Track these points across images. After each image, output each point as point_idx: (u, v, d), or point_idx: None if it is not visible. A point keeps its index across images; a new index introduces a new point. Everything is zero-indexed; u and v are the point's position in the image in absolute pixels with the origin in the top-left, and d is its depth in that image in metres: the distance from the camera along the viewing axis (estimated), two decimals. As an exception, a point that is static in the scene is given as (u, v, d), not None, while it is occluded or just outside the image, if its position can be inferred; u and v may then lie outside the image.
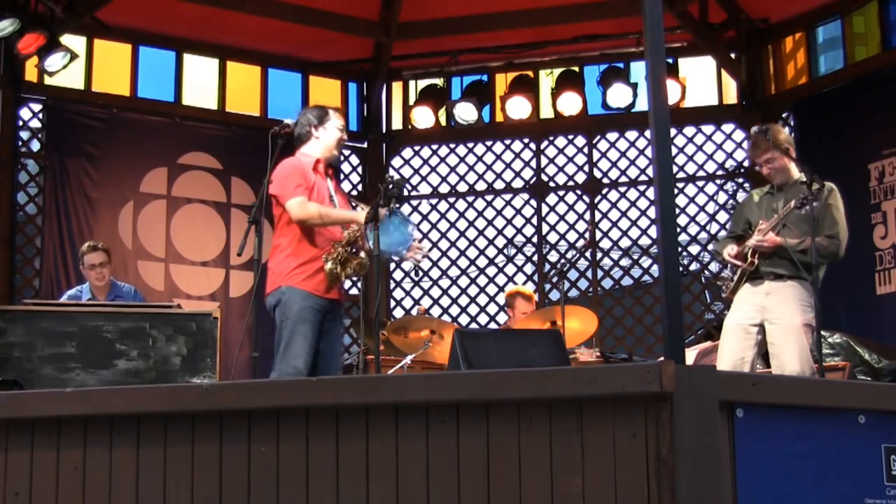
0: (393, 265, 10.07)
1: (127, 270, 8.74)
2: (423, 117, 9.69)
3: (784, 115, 9.29)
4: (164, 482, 2.88)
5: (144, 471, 2.90)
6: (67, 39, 8.44)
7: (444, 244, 10.06)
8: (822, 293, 5.19)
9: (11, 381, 5.63)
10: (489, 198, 10.08)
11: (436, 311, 9.89)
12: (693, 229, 9.83)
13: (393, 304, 10.07)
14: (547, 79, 9.95)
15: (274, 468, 2.79)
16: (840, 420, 2.71)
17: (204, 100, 9.58)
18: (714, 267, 10.77)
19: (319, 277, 5.08)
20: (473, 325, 9.77)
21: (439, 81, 9.92)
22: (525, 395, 2.60)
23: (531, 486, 2.57)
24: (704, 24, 9.17)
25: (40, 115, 9.00)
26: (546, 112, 9.88)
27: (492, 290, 9.97)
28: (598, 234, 9.78)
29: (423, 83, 9.93)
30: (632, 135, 9.82)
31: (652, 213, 9.57)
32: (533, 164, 10.01)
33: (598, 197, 9.82)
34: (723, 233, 9.52)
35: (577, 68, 9.78)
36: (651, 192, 9.50)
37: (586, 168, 9.88)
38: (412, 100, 9.99)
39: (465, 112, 9.39)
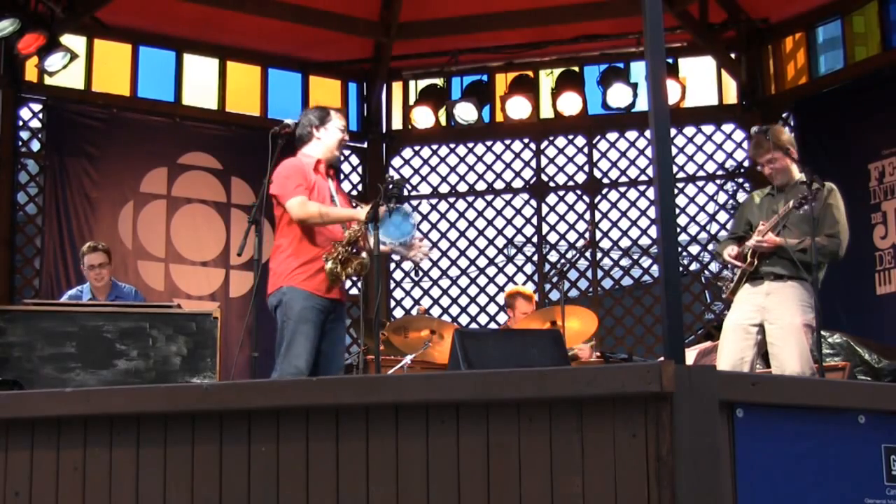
0: (393, 265, 10.07)
1: (127, 270, 8.74)
2: (423, 117, 9.69)
3: (784, 115, 9.29)
4: (164, 482, 2.88)
5: (144, 471, 2.91)
6: (67, 39, 8.44)
7: (444, 244, 10.06)
8: (822, 293, 5.19)
9: (11, 381, 5.63)
10: (489, 198, 10.08)
11: (436, 311, 9.89)
12: (693, 229, 9.84)
13: (393, 304, 10.07)
14: (547, 79, 9.95)
15: (274, 468, 2.79)
16: (840, 420, 2.71)
17: (204, 100, 9.58)
18: (714, 267, 10.78)
19: (320, 277, 5.08)
20: (473, 325, 9.77)
21: (439, 81, 9.92)
22: (525, 395, 2.60)
23: (531, 486, 2.57)
24: (704, 24, 9.17)
25: (40, 115, 9.00)
26: (546, 112, 9.88)
27: (492, 290, 9.97)
28: (598, 234, 9.78)
29: (423, 83, 9.93)
30: (632, 135, 9.82)
31: (652, 213, 9.57)
32: (533, 164, 10.01)
33: (598, 197, 9.82)
34: (723, 233, 9.52)
35: (577, 68, 9.78)
36: (651, 192, 9.49)
37: (586, 168, 9.88)
38: (412, 100, 9.99)
39: (465, 112, 9.39)
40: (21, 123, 8.97)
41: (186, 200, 9.26)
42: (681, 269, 9.60)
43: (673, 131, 9.18)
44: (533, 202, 9.96)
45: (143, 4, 8.91)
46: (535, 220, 9.92)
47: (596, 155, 9.89)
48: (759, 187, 5.81)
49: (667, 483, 2.45)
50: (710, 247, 10.12)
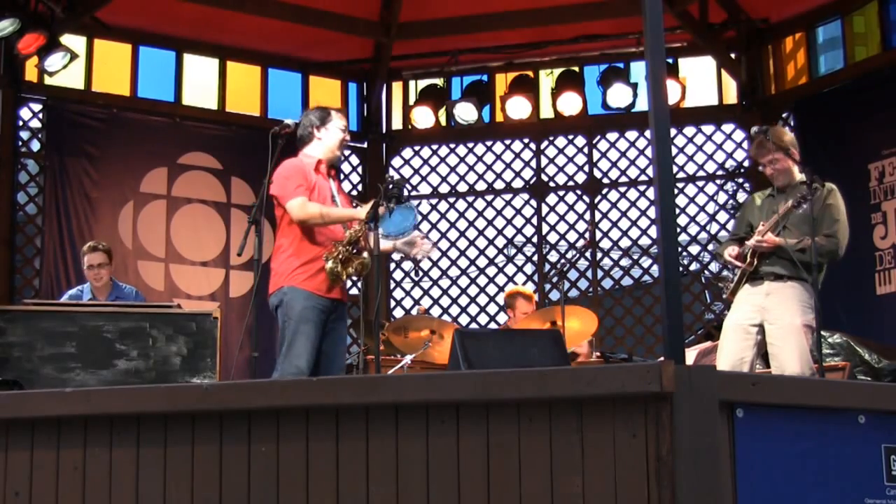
0: (393, 265, 10.08)
1: (127, 270, 8.74)
2: (423, 117, 9.70)
3: (784, 115, 9.29)
4: (164, 482, 2.88)
5: (144, 471, 2.90)
6: (67, 39, 8.44)
7: (444, 244, 10.05)
8: (822, 293, 5.19)
9: (11, 381, 5.63)
10: (489, 198, 10.08)
11: (436, 311, 9.89)
12: (693, 229, 9.84)
13: (393, 304, 10.07)
14: (547, 79, 9.95)
15: (274, 468, 2.79)
16: (840, 420, 2.71)
17: (204, 100, 9.58)
18: (714, 267, 10.79)
19: (321, 277, 5.08)
20: (473, 325, 9.77)
21: (439, 81, 9.92)
22: (525, 395, 2.60)
23: (531, 486, 2.57)
24: (704, 24, 9.17)
25: (40, 115, 9.00)
26: (546, 112, 9.88)
27: (492, 290, 9.97)
28: (598, 234, 9.78)
29: (423, 83, 9.93)
30: (632, 135, 9.82)
31: (652, 213, 9.57)
32: (533, 164, 10.01)
33: (598, 197, 9.82)
34: (723, 233, 9.55)
35: (577, 68, 9.78)
36: (651, 192, 9.50)
37: (586, 168, 9.88)
38: (412, 100, 9.99)
39: (465, 112, 9.39)
40: (21, 123, 8.97)
41: (186, 200, 9.26)
42: (681, 269, 9.60)
43: (673, 131, 9.18)
44: (533, 202, 9.97)
45: (143, 4, 8.91)
46: (535, 220, 9.92)
47: (596, 155, 9.89)
48: (759, 187, 5.81)
49: (667, 483, 2.45)
50: (710, 247, 10.12)
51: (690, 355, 6.56)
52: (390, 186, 4.94)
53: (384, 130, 10.24)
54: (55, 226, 8.72)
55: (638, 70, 9.63)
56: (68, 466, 2.97)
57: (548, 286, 9.84)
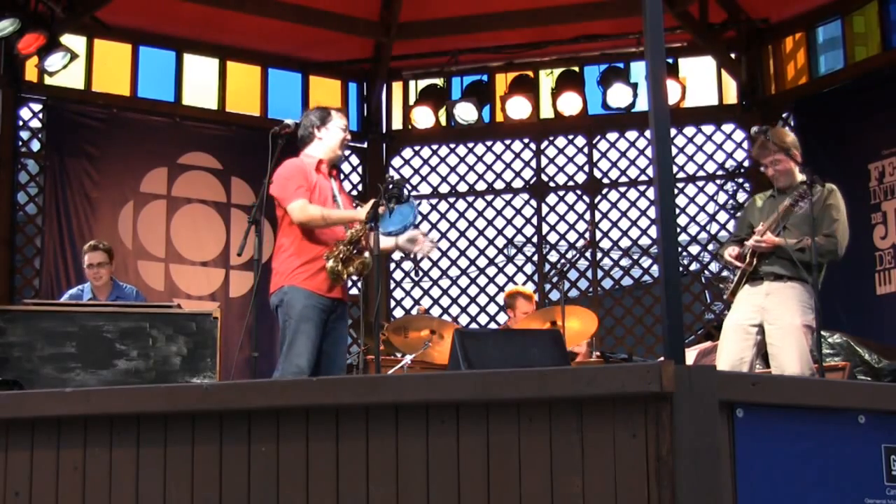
0: (393, 265, 10.08)
1: (127, 270, 8.75)
2: (423, 117, 9.70)
3: (784, 115, 9.29)
4: (164, 482, 2.88)
5: (144, 471, 2.90)
6: (67, 39, 8.44)
7: (444, 244, 10.05)
8: (822, 293, 5.19)
9: (11, 381, 5.63)
10: (489, 198, 10.08)
11: (436, 311, 9.89)
12: (693, 229, 9.84)
13: (393, 304, 10.07)
14: (547, 79, 9.95)
15: (274, 468, 2.79)
16: (840, 420, 2.71)
17: (204, 100, 9.58)
18: (714, 267, 10.78)
19: (322, 276, 5.08)
20: (473, 325, 9.77)
21: (439, 81, 9.92)
22: (525, 395, 2.60)
23: (531, 486, 2.57)
24: (704, 24, 9.17)
25: (40, 115, 9.00)
26: (546, 112, 9.88)
27: (492, 290, 9.97)
28: (598, 234, 9.78)
29: (423, 83, 9.93)
30: (632, 135, 9.82)
31: (652, 213, 9.57)
32: (533, 164, 10.01)
33: (598, 197, 9.82)
34: (723, 233, 9.54)
35: (577, 68, 9.78)
36: (651, 192, 9.50)
37: (586, 168, 9.88)
38: (412, 100, 9.99)
39: (465, 112, 9.39)
40: (21, 123, 8.97)
41: (186, 200, 9.26)
42: (681, 269, 9.60)
43: (673, 131, 9.17)
44: (533, 202, 9.97)
45: (143, 4, 8.91)
46: (535, 220, 9.92)
47: (596, 155, 9.89)
48: (759, 187, 5.82)
49: (667, 483, 2.45)
50: (711, 247, 10.13)
51: (690, 355, 6.56)
52: (390, 186, 4.94)
53: (384, 130, 10.24)
54: (55, 226, 8.72)
55: (638, 70, 9.64)
56: (68, 466, 2.97)
57: (548, 286, 9.84)
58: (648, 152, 9.48)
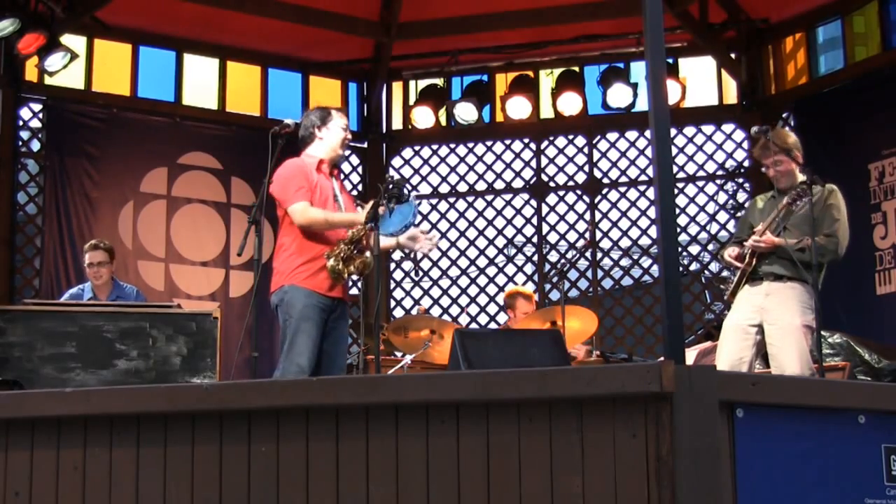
0: (393, 265, 10.08)
1: (127, 270, 8.75)
2: (423, 117, 9.70)
3: (784, 115, 9.29)
4: (164, 482, 2.88)
5: (144, 471, 2.90)
6: (67, 39, 8.44)
7: (444, 244, 10.05)
8: (822, 293, 5.19)
9: (11, 381, 5.63)
10: (489, 198, 10.08)
11: (436, 311, 9.89)
12: (693, 229, 9.84)
13: (393, 304, 10.07)
14: (547, 79, 9.95)
15: (274, 468, 2.78)
16: (840, 420, 2.71)
17: (204, 100, 9.58)
18: (714, 267, 10.78)
19: (322, 276, 5.08)
20: (473, 325, 9.77)
21: (439, 81, 9.92)
22: (525, 395, 2.60)
23: (531, 486, 2.57)
24: (704, 24, 9.17)
25: (40, 115, 9.00)
26: (546, 112, 9.88)
27: (492, 290, 9.97)
28: (598, 234, 9.78)
29: (423, 83, 9.93)
30: (632, 135, 9.81)
31: (652, 213, 9.57)
32: (533, 164, 10.01)
33: (598, 197, 9.82)
34: (723, 233, 9.54)
35: (577, 68, 9.78)
36: (651, 192, 9.50)
37: (586, 168, 9.88)
38: (412, 100, 9.99)
39: (465, 112, 9.39)
40: (21, 123, 8.97)
41: (186, 200, 9.26)
42: (681, 269, 9.60)
43: (673, 131, 9.17)
44: (533, 202, 9.97)
45: (143, 4, 8.91)
46: (535, 220, 9.92)
47: (596, 155, 9.89)
48: (759, 187, 5.82)
49: (667, 483, 2.45)
50: (710, 247, 10.13)
51: (690, 355, 6.56)
52: (390, 186, 4.94)
53: (384, 130, 10.24)
54: (55, 226, 8.72)
55: (638, 70, 9.64)
56: (68, 466, 2.97)
57: (548, 286, 9.84)
58: (648, 152, 9.48)
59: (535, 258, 10.02)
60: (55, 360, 5.75)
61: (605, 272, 9.82)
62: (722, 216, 9.78)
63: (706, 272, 10.48)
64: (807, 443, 2.65)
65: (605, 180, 9.84)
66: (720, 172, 9.80)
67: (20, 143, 8.97)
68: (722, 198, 10.08)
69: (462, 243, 10.08)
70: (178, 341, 5.89)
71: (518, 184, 10.01)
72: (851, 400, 2.76)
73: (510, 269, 10.20)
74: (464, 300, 10.01)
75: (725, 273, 5.61)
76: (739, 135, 9.62)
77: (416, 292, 10.13)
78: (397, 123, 10.31)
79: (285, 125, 5.16)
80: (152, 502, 2.88)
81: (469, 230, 10.09)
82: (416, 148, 10.23)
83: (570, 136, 9.95)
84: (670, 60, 9.39)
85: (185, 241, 9.19)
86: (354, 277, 5.22)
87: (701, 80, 9.79)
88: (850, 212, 5.43)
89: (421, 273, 9.91)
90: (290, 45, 9.71)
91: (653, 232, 9.56)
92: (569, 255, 9.68)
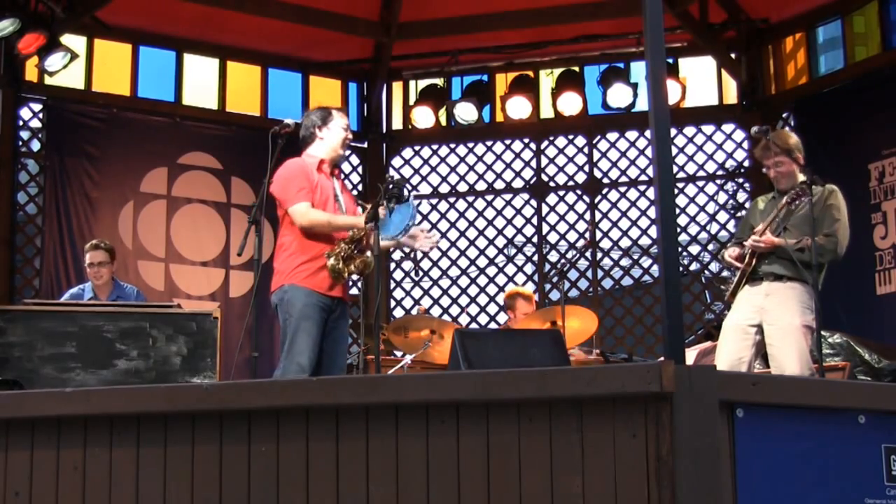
0: (393, 265, 10.08)
1: (127, 270, 8.75)
2: (424, 117, 9.70)
3: (784, 115, 9.29)
4: (164, 482, 2.88)
5: (144, 471, 2.91)
6: (67, 39, 8.44)
7: (444, 244, 10.05)
8: (822, 293, 5.19)
9: (11, 381, 5.63)
10: (489, 198, 10.09)
11: (436, 311, 9.89)
12: (693, 229, 9.84)
13: (393, 304, 10.07)
14: (547, 79, 9.95)
15: (274, 468, 2.79)
16: (840, 420, 2.71)
17: (204, 100, 9.58)
18: (714, 267, 10.79)
19: (323, 275, 5.07)
20: (473, 325, 9.77)
21: (439, 81, 9.92)
22: (525, 395, 2.60)
23: (531, 486, 2.57)
24: (704, 24, 9.17)
25: (40, 115, 9.00)
26: (546, 112, 9.88)
27: (492, 290, 9.97)
28: (598, 234, 9.78)
29: (423, 83, 9.93)
30: (632, 135, 9.82)
31: (652, 213, 9.57)
32: (533, 164, 10.01)
33: (599, 197, 9.82)
34: (723, 233, 9.54)
35: (577, 68, 9.78)
36: (651, 192, 9.50)
37: (586, 168, 9.88)
38: (412, 100, 9.99)
39: (466, 112, 9.39)
40: (21, 123, 8.97)
41: (186, 200, 9.26)
42: (681, 269, 9.60)
43: (673, 131, 9.17)
44: (533, 202, 9.97)
45: (143, 4, 8.91)
46: (535, 220, 9.92)
47: (596, 155, 9.89)
48: (759, 187, 5.82)
49: (667, 483, 2.45)
50: (711, 247, 10.13)
51: (690, 355, 6.56)
52: (390, 186, 4.94)
53: (384, 130, 10.24)
54: (55, 226, 8.72)
55: (638, 70, 9.64)
56: (68, 466, 2.97)
57: (548, 286, 9.84)
58: (648, 152, 9.48)
59: (535, 258, 10.02)
60: (55, 360, 5.75)
61: (605, 272, 9.82)
62: (722, 216, 9.79)
63: (706, 272, 10.48)
64: (807, 443, 2.65)
65: (605, 180, 9.84)
66: (720, 172, 9.80)
67: (20, 143, 8.97)
68: (722, 198, 10.08)
69: (462, 243, 10.08)
70: (178, 341, 5.89)
71: (518, 184, 10.01)
72: (851, 400, 2.76)
73: (510, 269, 10.21)
74: (464, 300, 10.01)
75: (725, 273, 5.61)
76: (739, 135, 9.62)
77: (416, 292, 10.13)
78: (397, 123, 10.31)
79: (285, 125, 5.16)
80: (152, 502, 2.88)
81: (469, 230, 10.09)
82: (417, 148, 10.23)
83: (571, 136, 9.95)
84: (670, 60, 9.39)
85: (185, 241, 9.19)
86: (355, 277, 5.21)
87: (701, 80, 9.79)
88: (850, 212, 5.42)
89: (421, 273, 9.91)
90: (290, 45, 9.71)
91: (653, 232, 9.56)
92: (569, 255, 9.68)
